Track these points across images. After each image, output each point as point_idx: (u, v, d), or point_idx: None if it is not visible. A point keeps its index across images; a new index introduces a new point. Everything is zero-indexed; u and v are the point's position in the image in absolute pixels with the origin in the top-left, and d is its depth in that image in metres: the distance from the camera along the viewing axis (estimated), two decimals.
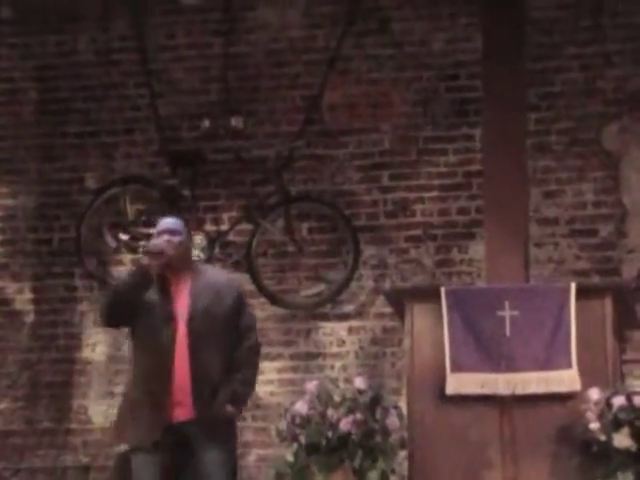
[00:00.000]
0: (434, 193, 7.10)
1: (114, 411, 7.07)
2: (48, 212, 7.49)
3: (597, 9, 6.95)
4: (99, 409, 7.23)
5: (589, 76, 6.96)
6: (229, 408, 4.81)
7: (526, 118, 6.81)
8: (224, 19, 7.45)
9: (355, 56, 7.28)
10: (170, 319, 4.83)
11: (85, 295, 7.38)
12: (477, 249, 6.88)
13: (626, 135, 6.89)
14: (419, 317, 5.42)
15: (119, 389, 7.18)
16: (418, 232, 7.08)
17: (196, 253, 7.09)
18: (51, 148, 7.55)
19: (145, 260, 4.84)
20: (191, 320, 4.83)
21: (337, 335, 7.09)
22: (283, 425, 5.27)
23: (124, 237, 7.26)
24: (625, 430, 4.78)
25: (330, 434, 5.09)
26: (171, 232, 4.91)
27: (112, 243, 7.30)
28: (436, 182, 7.10)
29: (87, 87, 7.55)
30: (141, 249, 5.11)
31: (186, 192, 7.22)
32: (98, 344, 7.32)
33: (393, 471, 5.26)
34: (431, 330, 5.35)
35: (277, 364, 7.09)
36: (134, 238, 7.25)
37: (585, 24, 6.98)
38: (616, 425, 4.80)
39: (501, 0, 6.79)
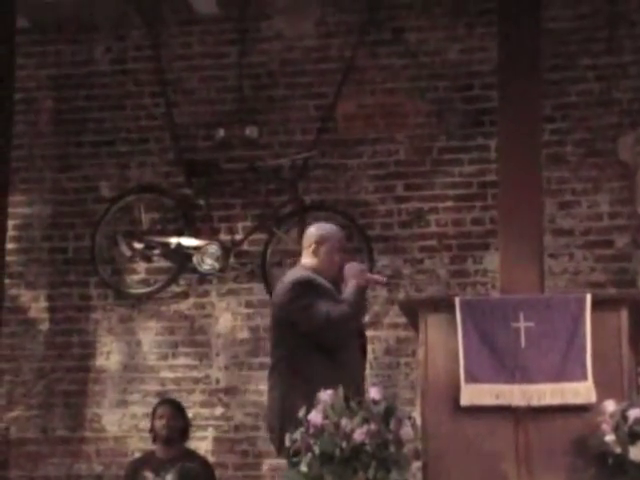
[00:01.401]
0: (449, 203, 7.09)
1: (128, 420, 7.20)
2: (63, 221, 7.52)
3: (613, 20, 6.95)
4: (113, 418, 7.24)
5: (604, 87, 6.96)
6: None
7: (541, 129, 6.80)
8: (239, 29, 7.48)
9: (369, 66, 7.29)
10: (360, 334, 5.31)
11: (100, 304, 7.39)
12: (492, 260, 6.87)
13: None
14: (433, 327, 5.39)
15: (133, 398, 7.22)
16: (433, 242, 7.07)
17: (210, 262, 7.11)
18: (66, 157, 7.58)
19: (366, 283, 5.24)
20: (362, 335, 5.35)
21: None
22: (297, 435, 5.25)
23: (139, 246, 7.27)
24: None
25: (344, 444, 5.07)
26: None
27: (127, 252, 7.31)
28: (451, 192, 7.10)
29: (103, 96, 7.58)
30: (360, 275, 5.24)
31: (201, 201, 7.24)
32: (112, 353, 7.33)
33: None
34: (445, 341, 5.33)
35: None
36: (148, 247, 7.27)
37: (601, 35, 6.97)
38: (632, 438, 4.76)
39: (517, 10, 6.79)
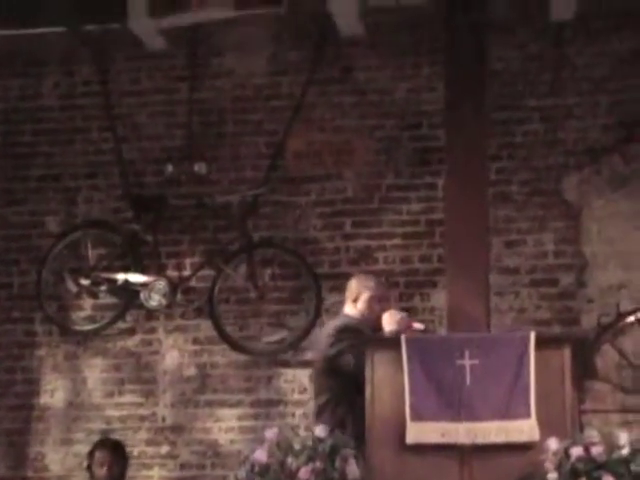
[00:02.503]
0: (396, 241, 7.13)
1: (71, 458, 7.10)
2: (8, 256, 7.45)
3: (558, 63, 7.05)
4: (56, 457, 7.15)
5: (549, 128, 7.05)
6: None
7: (487, 168, 6.88)
8: (189, 65, 7.48)
9: (319, 104, 7.33)
10: None
11: (45, 340, 7.32)
12: (439, 297, 6.91)
13: (586, 186, 6.97)
14: (380, 365, 5.40)
15: (77, 436, 7.13)
16: (380, 280, 7.08)
17: (157, 299, 7.07)
18: (12, 191, 7.52)
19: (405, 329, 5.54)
20: None
21: (299, 382, 7.07)
22: (242, 473, 5.21)
23: (85, 282, 7.22)
24: None
25: None
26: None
27: (73, 288, 7.25)
28: (398, 230, 7.14)
29: (51, 131, 7.55)
30: (400, 322, 5.65)
31: (148, 237, 7.21)
32: (57, 390, 7.25)
33: None
34: (392, 379, 5.34)
35: (238, 411, 7.06)
36: (95, 283, 7.22)
37: (546, 77, 7.08)
38: (574, 476, 4.79)
39: (464, 51, 6.87)
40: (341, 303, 7.01)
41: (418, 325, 5.81)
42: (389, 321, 5.64)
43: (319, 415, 5.63)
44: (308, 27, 7.25)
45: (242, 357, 7.09)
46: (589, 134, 7.00)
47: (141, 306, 7.12)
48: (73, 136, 7.53)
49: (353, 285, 5.95)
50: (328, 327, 5.82)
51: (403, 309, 6.98)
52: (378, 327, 5.65)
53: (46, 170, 7.50)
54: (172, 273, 7.23)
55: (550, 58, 7.07)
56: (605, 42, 7.02)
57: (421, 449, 5.18)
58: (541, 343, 5.18)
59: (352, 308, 5.90)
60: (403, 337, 5.36)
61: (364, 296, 5.86)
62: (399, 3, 6.96)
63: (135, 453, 6.67)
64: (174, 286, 7.12)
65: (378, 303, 5.85)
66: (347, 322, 5.75)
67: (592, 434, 4.94)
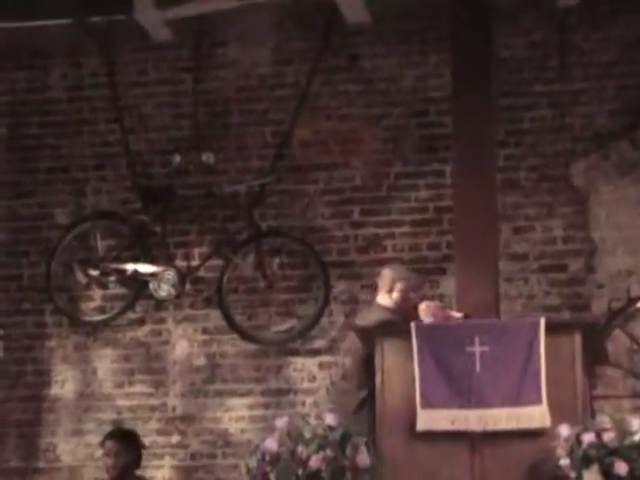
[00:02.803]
0: (405, 229, 7.12)
1: (83, 449, 7.13)
2: (18, 248, 7.46)
3: (564, 48, 7.04)
4: (68, 447, 7.17)
5: (557, 114, 7.03)
6: None
7: (495, 154, 6.88)
8: (194, 56, 7.48)
9: (325, 92, 7.32)
10: None
11: (55, 331, 7.33)
12: (448, 284, 6.90)
13: (594, 172, 6.96)
14: (389, 353, 5.41)
15: (88, 427, 7.16)
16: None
17: (166, 289, 7.08)
18: (21, 184, 7.53)
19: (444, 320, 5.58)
20: None
21: (308, 371, 7.08)
22: (253, 462, 5.23)
23: (94, 273, 7.23)
24: (595, 467, 4.78)
25: (300, 472, 5.06)
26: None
27: (82, 279, 7.26)
28: (407, 218, 7.13)
29: (58, 123, 7.55)
30: (438, 312, 5.67)
31: (157, 228, 7.21)
32: (67, 381, 7.26)
33: None
34: (401, 366, 5.35)
35: (248, 400, 7.07)
36: (104, 274, 7.23)
37: (552, 63, 7.05)
38: (586, 462, 4.79)
39: (470, 38, 6.88)
40: (349, 291, 7.08)
41: (456, 314, 5.79)
42: (427, 313, 5.65)
43: (359, 409, 5.64)
44: (313, 16, 7.23)
45: (251, 346, 7.10)
46: (596, 120, 6.98)
47: (150, 296, 7.13)
48: (80, 128, 7.53)
49: (387, 275, 5.98)
50: (362, 321, 5.83)
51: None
52: (412, 317, 5.64)
53: (54, 162, 7.51)
54: (181, 263, 7.23)
55: (556, 44, 7.05)
56: (611, 27, 6.99)
57: (431, 436, 5.20)
58: (551, 329, 5.18)
59: (386, 298, 5.92)
60: (413, 324, 5.36)
61: (399, 286, 5.89)
62: None
63: (146, 443, 6.67)
64: (183, 276, 7.13)
65: (412, 293, 5.89)
66: (386, 317, 5.76)
67: (604, 420, 4.95)
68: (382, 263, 7.08)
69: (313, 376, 7.06)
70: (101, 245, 7.27)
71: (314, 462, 5.05)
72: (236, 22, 7.36)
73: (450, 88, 6.99)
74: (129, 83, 7.53)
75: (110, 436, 6.45)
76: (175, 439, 7.11)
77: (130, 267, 7.15)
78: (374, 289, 6.19)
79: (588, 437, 4.84)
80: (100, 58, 7.52)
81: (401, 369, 5.33)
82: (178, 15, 7.22)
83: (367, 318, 5.86)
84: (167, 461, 7.09)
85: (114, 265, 7.20)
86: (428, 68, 7.19)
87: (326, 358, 7.06)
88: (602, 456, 4.80)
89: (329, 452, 5.08)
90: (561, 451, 4.86)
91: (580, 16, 7.02)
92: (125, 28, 7.33)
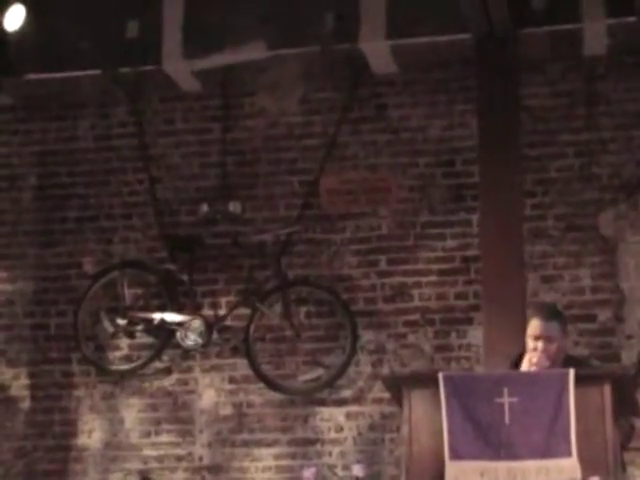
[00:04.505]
0: (432, 278, 7.11)
1: None
2: (46, 297, 7.50)
3: (590, 97, 7.05)
4: None
5: (584, 162, 7.03)
6: None
7: (522, 203, 6.89)
8: (222, 105, 7.54)
9: (352, 142, 7.36)
10: None
11: (82, 381, 7.34)
12: (475, 334, 6.88)
13: (622, 221, 6.93)
14: (417, 403, 5.35)
15: (115, 477, 7.14)
16: (416, 317, 7.07)
17: (193, 338, 7.09)
18: (50, 233, 7.59)
19: None
20: None
21: (335, 421, 7.04)
22: None
23: (122, 322, 7.25)
24: None
25: None
26: (547, 339, 5.19)
27: (109, 328, 7.28)
28: (434, 267, 7.12)
29: (86, 173, 7.62)
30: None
31: (184, 277, 7.23)
32: (94, 431, 7.26)
33: None
34: (429, 417, 5.29)
35: (274, 450, 7.04)
36: (132, 323, 7.24)
37: (579, 112, 7.06)
38: None
39: (496, 88, 6.91)
40: (376, 340, 7.05)
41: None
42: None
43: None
44: (340, 66, 7.29)
45: (278, 396, 7.08)
46: (624, 169, 6.97)
47: (177, 345, 7.14)
48: (109, 177, 7.60)
49: None
50: None
51: (440, 346, 7.01)
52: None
53: (82, 211, 7.57)
54: (208, 312, 7.24)
55: (583, 93, 7.06)
56: (638, 76, 6.99)
57: None
58: (580, 380, 5.13)
59: None
60: (441, 374, 5.32)
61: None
62: (432, 41, 6.97)
63: None
64: (210, 325, 7.13)
65: (529, 340, 5.43)
66: (515, 356, 5.52)
67: (635, 473, 4.88)
68: (409, 312, 7.09)
69: (340, 426, 7.02)
70: (128, 294, 7.30)
71: None
72: (264, 72, 7.43)
73: (477, 138, 7.02)
74: (157, 133, 7.60)
75: None
76: None
77: (157, 316, 7.16)
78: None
79: None
80: (128, 108, 7.60)
81: (429, 420, 5.29)
82: (206, 66, 7.30)
83: None
84: None
85: (141, 314, 7.22)
86: (455, 118, 7.22)
87: (353, 408, 7.03)
88: None
89: None
90: None
91: (607, 65, 7.04)
92: (153, 78, 7.42)
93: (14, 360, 7.42)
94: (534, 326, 5.30)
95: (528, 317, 5.43)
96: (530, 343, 5.32)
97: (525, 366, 5.32)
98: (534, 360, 5.24)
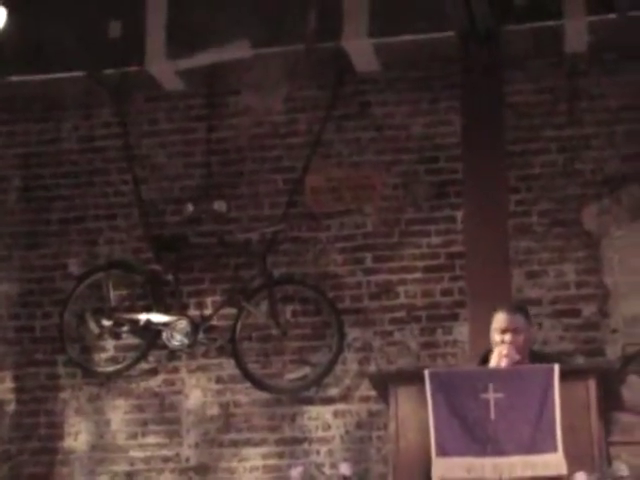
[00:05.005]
0: (417, 275, 7.11)
1: None
2: (31, 299, 7.48)
3: (573, 94, 7.07)
4: None
5: (567, 158, 7.05)
6: None
7: (507, 199, 6.91)
8: (207, 104, 7.53)
9: (336, 140, 7.36)
10: None
11: (68, 383, 7.32)
12: (461, 330, 6.89)
13: (606, 216, 6.95)
14: (404, 400, 5.37)
15: (102, 479, 7.11)
16: (402, 314, 7.08)
17: (179, 338, 7.08)
18: (34, 235, 7.57)
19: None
20: None
21: (322, 419, 7.04)
22: None
23: (107, 323, 7.23)
24: None
25: None
26: (514, 331, 5.25)
27: (95, 329, 7.27)
28: (419, 264, 7.13)
29: (71, 174, 7.60)
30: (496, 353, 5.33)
31: (169, 277, 7.22)
32: (80, 433, 7.24)
33: None
34: (416, 413, 5.30)
35: (262, 450, 7.03)
36: (117, 324, 7.23)
37: (562, 108, 7.08)
38: None
39: (479, 85, 6.94)
40: (363, 338, 7.06)
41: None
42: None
43: None
44: (324, 64, 7.29)
45: (265, 395, 7.08)
46: (607, 164, 6.99)
47: (163, 346, 7.13)
48: (93, 178, 7.58)
49: None
50: None
51: (426, 343, 7.02)
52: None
53: (67, 213, 7.55)
54: (194, 312, 7.23)
55: (565, 89, 7.08)
56: (619, 72, 7.02)
57: None
58: (566, 375, 5.14)
59: None
60: (426, 371, 5.33)
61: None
62: (415, 39, 6.98)
63: None
64: (196, 325, 7.12)
65: (495, 334, 5.51)
66: (485, 351, 5.58)
67: (621, 467, 4.90)
68: (395, 310, 7.10)
69: (327, 424, 7.03)
70: (114, 295, 7.28)
71: None
72: (248, 71, 7.43)
73: (460, 134, 7.04)
74: (141, 133, 7.59)
75: None
76: None
77: (143, 317, 7.15)
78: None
79: None
80: (112, 109, 7.59)
81: (415, 417, 5.30)
82: (190, 65, 7.29)
83: None
84: None
85: (127, 315, 7.21)
86: (438, 115, 7.23)
87: (340, 406, 7.03)
88: None
89: None
90: None
91: (588, 62, 7.06)
92: (137, 79, 7.40)
93: None
94: (500, 319, 5.40)
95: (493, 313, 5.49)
96: (497, 337, 5.40)
97: (495, 360, 5.36)
98: (504, 352, 5.30)
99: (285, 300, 7.18)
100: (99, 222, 7.51)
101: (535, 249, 7.00)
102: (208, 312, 7.25)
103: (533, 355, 5.45)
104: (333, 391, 7.04)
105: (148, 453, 7.13)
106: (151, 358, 7.25)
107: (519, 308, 5.53)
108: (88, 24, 7.28)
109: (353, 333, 7.08)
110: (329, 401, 7.03)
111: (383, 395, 5.63)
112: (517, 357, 5.30)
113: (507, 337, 5.33)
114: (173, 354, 7.21)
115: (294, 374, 7.13)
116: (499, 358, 5.32)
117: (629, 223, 6.91)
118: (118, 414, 7.22)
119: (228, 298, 7.22)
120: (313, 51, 7.14)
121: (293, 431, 7.03)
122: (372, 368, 6.99)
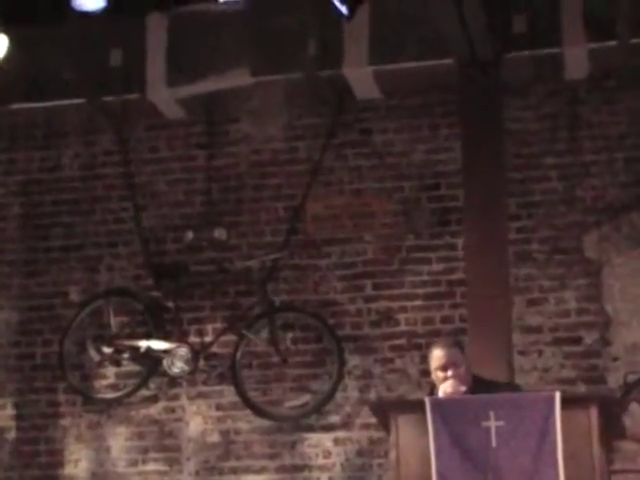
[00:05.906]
0: (418, 302, 7.11)
1: None
2: (31, 326, 7.47)
3: (573, 121, 7.09)
4: None
5: (568, 186, 7.06)
6: None
7: (507, 227, 6.91)
8: (207, 132, 7.56)
9: (337, 167, 7.38)
10: None
11: (68, 410, 7.30)
12: None
13: (606, 243, 6.96)
14: (404, 428, 5.36)
15: None
16: (402, 341, 7.07)
17: (180, 365, 7.07)
18: (35, 262, 7.57)
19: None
20: None
21: (323, 446, 7.02)
22: None
23: (108, 350, 7.22)
24: None
25: None
26: (454, 365, 5.38)
27: (95, 356, 7.26)
28: (420, 291, 7.12)
29: (71, 201, 7.62)
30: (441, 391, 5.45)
31: (170, 304, 7.22)
32: (81, 460, 7.22)
33: None
34: (417, 441, 5.29)
35: (262, 477, 7.01)
36: (118, 351, 7.22)
37: (562, 135, 7.10)
38: None
39: (480, 112, 6.95)
40: (363, 365, 7.04)
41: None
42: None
43: None
44: (324, 92, 7.32)
45: (266, 422, 7.06)
46: (607, 191, 7.00)
47: (164, 373, 7.12)
48: (93, 206, 7.59)
49: None
50: None
51: (426, 371, 6.97)
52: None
53: (67, 240, 7.56)
54: (194, 339, 7.23)
55: (565, 117, 7.10)
56: (619, 100, 7.05)
57: None
58: (567, 403, 5.13)
59: None
60: (427, 399, 5.32)
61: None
62: (415, 66, 7.01)
63: None
64: (196, 352, 7.11)
65: (436, 371, 5.61)
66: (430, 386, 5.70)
67: None
68: (395, 337, 7.08)
69: (328, 452, 7.00)
70: (114, 322, 7.27)
71: None
72: (248, 98, 7.45)
73: (461, 161, 7.05)
74: (142, 160, 7.60)
75: None
76: None
77: (143, 344, 7.14)
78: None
79: None
80: (113, 136, 7.61)
81: (416, 445, 5.28)
82: (190, 93, 7.32)
83: None
84: None
85: (127, 342, 7.20)
86: (438, 142, 7.25)
87: (341, 433, 7.01)
88: None
89: None
90: None
91: (588, 89, 7.09)
92: (138, 107, 7.43)
93: None
94: (438, 357, 5.51)
95: (428, 353, 5.62)
96: (439, 374, 5.50)
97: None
98: (449, 390, 5.40)
99: (285, 327, 7.17)
100: (99, 249, 7.51)
101: (536, 276, 7.00)
102: (208, 339, 7.24)
103: (475, 380, 5.52)
104: (334, 418, 7.03)
105: None
106: (151, 385, 7.24)
107: (453, 343, 5.68)
108: (89, 52, 7.31)
109: (353, 360, 7.07)
110: (330, 428, 7.01)
111: (384, 423, 5.62)
112: (463, 388, 5.41)
113: (449, 372, 5.43)
114: (173, 381, 7.20)
115: (294, 401, 7.11)
116: (444, 396, 5.37)
117: (630, 250, 6.91)
118: (118, 441, 7.20)
119: (228, 325, 7.21)
120: (313, 78, 7.16)
121: (293, 458, 7.01)
122: (372, 395, 6.98)
